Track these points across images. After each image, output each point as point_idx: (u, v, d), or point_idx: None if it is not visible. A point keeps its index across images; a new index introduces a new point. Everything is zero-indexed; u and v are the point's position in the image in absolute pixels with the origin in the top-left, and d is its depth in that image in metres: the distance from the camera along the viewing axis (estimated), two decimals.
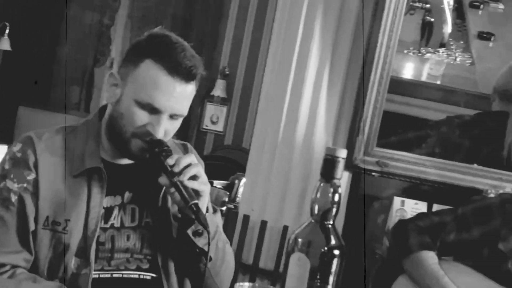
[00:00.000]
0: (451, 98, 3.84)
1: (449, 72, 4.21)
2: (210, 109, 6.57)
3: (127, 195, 1.83)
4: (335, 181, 1.29)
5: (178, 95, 1.74)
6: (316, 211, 1.30)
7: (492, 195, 2.82)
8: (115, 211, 1.82)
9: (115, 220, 1.82)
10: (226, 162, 5.27)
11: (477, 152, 3.22)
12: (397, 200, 2.99)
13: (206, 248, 1.73)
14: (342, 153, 1.29)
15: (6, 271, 1.74)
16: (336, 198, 1.29)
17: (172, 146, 1.86)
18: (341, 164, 1.29)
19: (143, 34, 1.80)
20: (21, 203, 1.76)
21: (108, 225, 1.81)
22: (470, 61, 4.22)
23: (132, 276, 1.81)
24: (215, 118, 6.62)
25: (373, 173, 3.01)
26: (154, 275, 1.82)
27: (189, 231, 1.75)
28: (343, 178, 2.94)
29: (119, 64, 1.86)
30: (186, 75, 1.73)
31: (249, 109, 6.41)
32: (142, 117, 1.75)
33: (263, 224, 3.01)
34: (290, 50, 3.01)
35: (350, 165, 3.01)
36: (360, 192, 3.04)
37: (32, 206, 1.76)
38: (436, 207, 2.96)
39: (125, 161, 1.85)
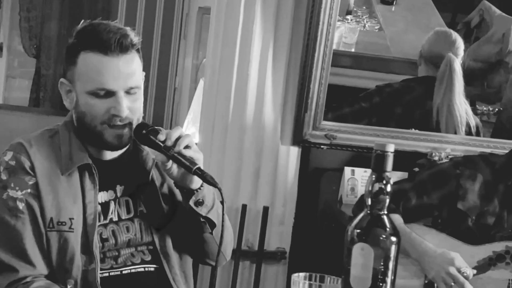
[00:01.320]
0: (371, 64, 3.99)
1: (361, 39, 4.36)
2: None
3: (118, 188, 1.89)
4: (386, 173, 1.38)
5: (123, 69, 1.79)
6: (370, 203, 1.39)
7: (436, 158, 3.00)
8: (112, 206, 1.87)
9: (112, 214, 1.87)
10: None
11: (409, 118, 3.40)
12: (347, 170, 3.14)
13: (209, 216, 1.83)
14: (391, 148, 1.38)
15: (27, 282, 1.76)
16: (388, 189, 1.38)
17: None
18: (390, 158, 1.38)
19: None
20: (30, 208, 1.79)
21: (107, 221, 1.86)
22: (378, 27, 4.37)
23: (138, 270, 1.87)
24: None
25: (322, 146, 3.13)
26: (156, 266, 1.89)
27: (191, 202, 1.82)
28: (293, 152, 3.06)
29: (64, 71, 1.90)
30: (120, 48, 1.79)
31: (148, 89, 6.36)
32: (100, 104, 1.80)
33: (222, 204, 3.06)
34: (233, 32, 3.07)
35: (300, 140, 3.12)
36: (311, 165, 3.16)
37: (38, 209, 1.79)
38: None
39: (109, 156, 1.90)
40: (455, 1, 4.36)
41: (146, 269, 1.88)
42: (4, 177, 1.80)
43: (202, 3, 6.13)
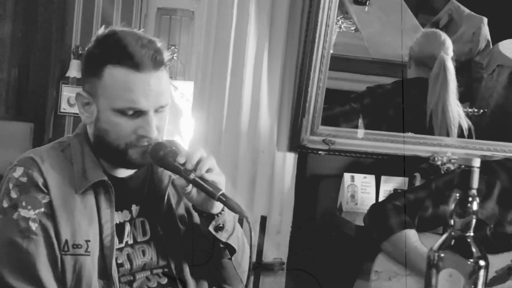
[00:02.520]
0: (351, 66, 3.92)
1: (339, 40, 4.29)
2: (67, 91, 6.25)
3: (134, 208, 1.77)
4: (473, 191, 1.27)
5: (154, 87, 1.66)
6: (455, 223, 1.28)
7: (439, 162, 2.93)
8: (127, 227, 1.75)
9: (128, 237, 1.74)
10: None
11: (401, 120, 3.33)
12: (347, 176, 3.04)
13: (230, 242, 1.72)
14: (477, 163, 1.27)
15: None
16: (475, 207, 1.27)
17: None
18: (476, 174, 1.27)
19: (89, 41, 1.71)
20: (44, 229, 1.64)
21: (123, 244, 1.73)
22: (354, 28, 4.31)
23: None
24: (73, 100, 6.32)
25: (320, 152, 3.03)
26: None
27: (211, 228, 1.70)
28: (289, 158, 2.95)
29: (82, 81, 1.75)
30: (153, 64, 1.65)
31: None
32: (127, 124, 1.66)
33: None
34: (225, 34, 2.93)
35: (297, 145, 3.00)
36: (308, 172, 3.05)
37: (53, 231, 1.65)
38: (384, 179, 3.04)
39: (123, 174, 1.77)
40: (414, 1, 4.33)
41: None
42: (14, 195, 1.64)
43: (160, 4, 5.98)
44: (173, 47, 5.79)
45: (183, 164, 1.63)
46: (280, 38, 2.95)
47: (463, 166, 1.27)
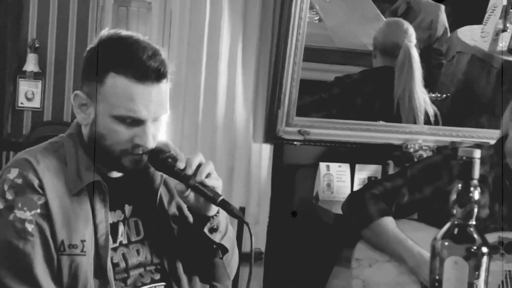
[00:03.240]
0: (316, 56, 3.97)
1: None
2: (24, 86, 6.17)
3: (127, 208, 1.78)
4: (474, 181, 1.32)
5: (155, 98, 1.66)
6: (458, 212, 1.34)
7: (411, 149, 3.01)
8: (121, 227, 1.76)
9: (122, 237, 1.76)
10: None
11: (370, 109, 3.40)
12: (322, 166, 3.10)
13: (223, 242, 1.77)
14: (477, 154, 1.33)
15: None
16: (476, 197, 1.33)
17: None
18: (477, 164, 1.33)
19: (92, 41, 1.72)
20: (40, 231, 1.64)
21: (117, 244, 1.75)
22: (317, 18, 4.36)
23: None
24: (30, 94, 6.24)
25: (295, 143, 3.08)
26: (165, 283, 1.79)
27: (206, 229, 1.73)
28: (265, 150, 3.00)
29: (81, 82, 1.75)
30: (157, 76, 1.66)
31: (65, 82, 6.14)
32: (125, 132, 1.67)
33: None
34: (199, 28, 2.96)
35: (272, 137, 3.05)
36: (285, 162, 3.11)
37: (49, 232, 1.65)
38: (358, 167, 3.11)
39: (116, 174, 1.78)
40: None
41: (156, 287, 1.78)
42: (9, 196, 1.64)
43: None
44: None
45: (183, 170, 1.65)
46: (253, 31, 2.99)
47: (464, 158, 1.33)
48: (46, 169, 1.67)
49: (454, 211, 1.34)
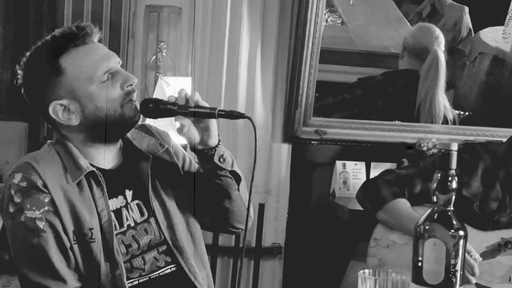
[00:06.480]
0: (338, 59, 4.06)
1: (326, 33, 4.44)
2: None
3: (128, 193, 1.90)
4: (452, 171, 1.45)
5: (105, 51, 1.84)
6: (437, 200, 1.46)
7: (425, 148, 3.11)
8: (124, 212, 1.88)
9: (129, 221, 1.88)
10: None
11: (390, 110, 3.49)
12: (339, 164, 3.22)
13: (235, 169, 1.90)
14: (455, 146, 1.46)
15: None
16: (454, 185, 1.46)
17: (140, 136, 1.97)
18: (455, 156, 1.46)
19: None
20: (51, 226, 1.77)
21: (125, 227, 1.87)
22: (340, 21, 4.46)
23: (166, 272, 1.90)
24: None
25: (312, 142, 3.20)
26: (176, 264, 1.91)
27: (216, 159, 1.85)
28: (284, 149, 3.12)
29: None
30: (84, 37, 1.81)
31: None
32: (111, 88, 1.81)
33: None
34: (220, 33, 3.10)
35: (291, 136, 3.18)
36: (303, 161, 3.23)
37: (60, 225, 1.78)
38: (373, 165, 3.22)
39: (109, 165, 1.90)
40: None
41: (172, 269, 1.91)
42: (17, 199, 1.77)
43: (148, 1, 6.10)
44: (162, 43, 5.95)
45: (175, 103, 1.78)
46: (272, 36, 3.12)
47: (443, 150, 1.46)
48: (46, 168, 1.80)
49: (435, 198, 1.47)
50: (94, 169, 1.83)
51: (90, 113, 1.82)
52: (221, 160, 1.86)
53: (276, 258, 3.23)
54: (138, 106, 1.83)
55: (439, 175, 1.47)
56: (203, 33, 3.14)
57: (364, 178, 3.21)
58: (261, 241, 3.12)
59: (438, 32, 3.53)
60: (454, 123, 3.51)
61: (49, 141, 1.91)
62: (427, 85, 3.39)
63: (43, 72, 1.83)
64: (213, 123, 1.83)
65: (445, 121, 3.48)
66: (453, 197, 1.47)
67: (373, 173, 3.20)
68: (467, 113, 3.72)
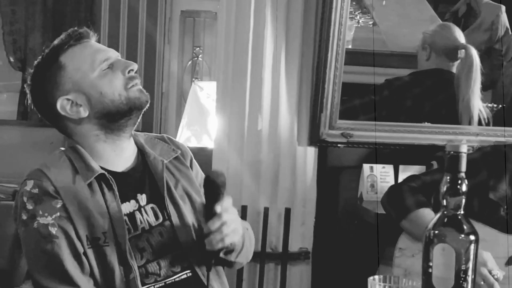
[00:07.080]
0: (370, 60, 4.01)
1: (357, 35, 4.39)
2: None
3: (140, 197, 1.91)
4: (461, 174, 1.40)
5: (101, 46, 1.92)
6: (447, 203, 1.42)
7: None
8: (138, 216, 1.89)
9: (143, 224, 1.89)
10: None
11: (419, 111, 3.42)
12: (366, 167, 3.17)
13: (238, 260, 1.98)
14: (464, 148, 1.41)
15: None
16: (464, 189, 1.41)
17: (153, 142, 2.01)
18: (464, 158, 1.40)
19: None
20: (64, 231, 1.78)
21: (139, 231, 1.88)
22: (372, 22, 4.41)
23: (182, 277, 1.90)
24: None
25: (339, 145, 3.16)
26: (191, 270, 1.92)
27: (221, 254, 1.87)
28: (310, 153, 3.08)
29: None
30: (81, 38, 1.89)
31: None
32: (114, 76, 1.86)
33: (244, 208, 3.08)
34: (244, 37, 3.08)
35: (316, 140, 3.14)
36: (329, 164, 3.18)
37: (73, 231, 1.79)
38: (402, 168, 3.16)
39: (122, 168, 1.92)
40: None
41: (187, 274, 1.91)
42: (30, 206, 1.79)
43: (184, 6, 6.14)
44: (198, 48, 5.96)
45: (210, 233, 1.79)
46: (296, 39, 3.09)
47: (452, 152, 1.41)
48: (58, 174, 1.82)
49: (444, 202, 1.43)
50: (105, 172, 1.84)
51: (96, 101, 1.85)
52: (227, 253, 1.92)
53: (304, 263, 3.19)
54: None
55: (448, 178, 1.42)
56: (227, 37, 3.13)
57: (392, 182, 3.15)
58: (288, 246, 3.09)
59: (459, 31, 3.46)
60: (488, 122, 3.42)
61: (60, 148, 1.93)
62: (471, 85, 3.30)
63: (47, 77, 1.87)
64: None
65: (479, 122, 3.40)
66: (463, 201, 1.42)
67: (402, 176, 3.15)
68: (500, 106, 3.64)
